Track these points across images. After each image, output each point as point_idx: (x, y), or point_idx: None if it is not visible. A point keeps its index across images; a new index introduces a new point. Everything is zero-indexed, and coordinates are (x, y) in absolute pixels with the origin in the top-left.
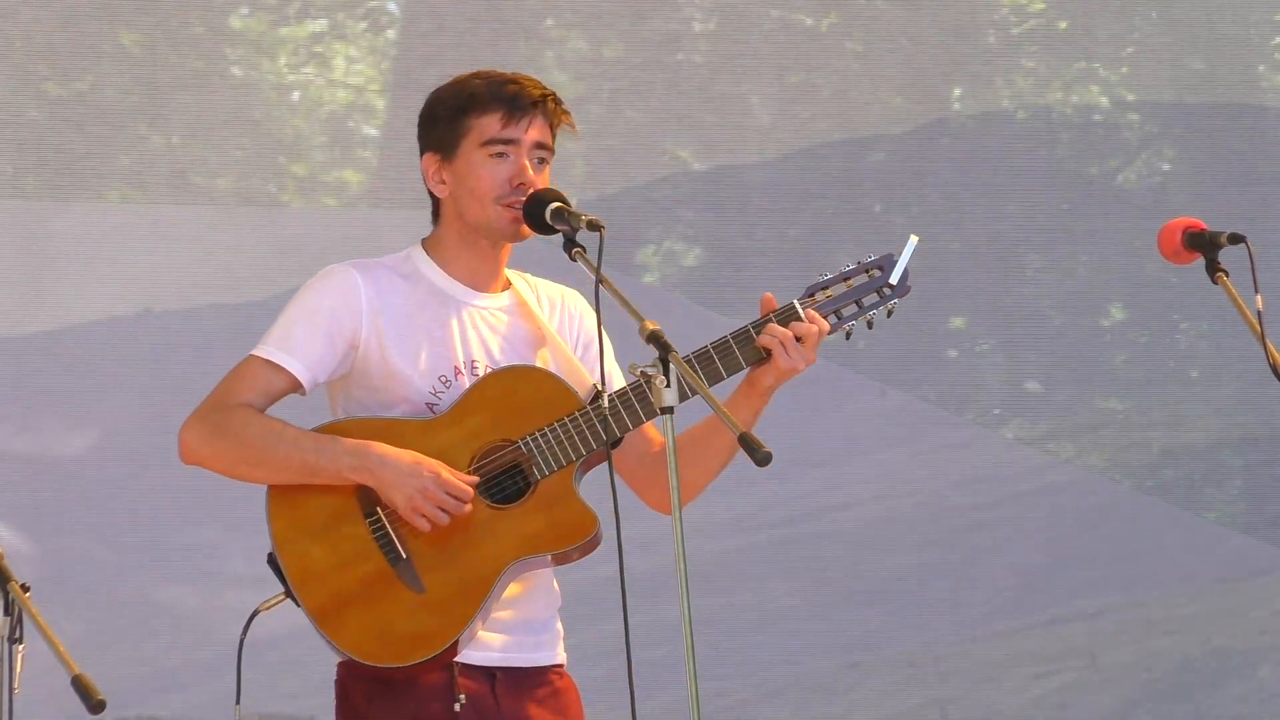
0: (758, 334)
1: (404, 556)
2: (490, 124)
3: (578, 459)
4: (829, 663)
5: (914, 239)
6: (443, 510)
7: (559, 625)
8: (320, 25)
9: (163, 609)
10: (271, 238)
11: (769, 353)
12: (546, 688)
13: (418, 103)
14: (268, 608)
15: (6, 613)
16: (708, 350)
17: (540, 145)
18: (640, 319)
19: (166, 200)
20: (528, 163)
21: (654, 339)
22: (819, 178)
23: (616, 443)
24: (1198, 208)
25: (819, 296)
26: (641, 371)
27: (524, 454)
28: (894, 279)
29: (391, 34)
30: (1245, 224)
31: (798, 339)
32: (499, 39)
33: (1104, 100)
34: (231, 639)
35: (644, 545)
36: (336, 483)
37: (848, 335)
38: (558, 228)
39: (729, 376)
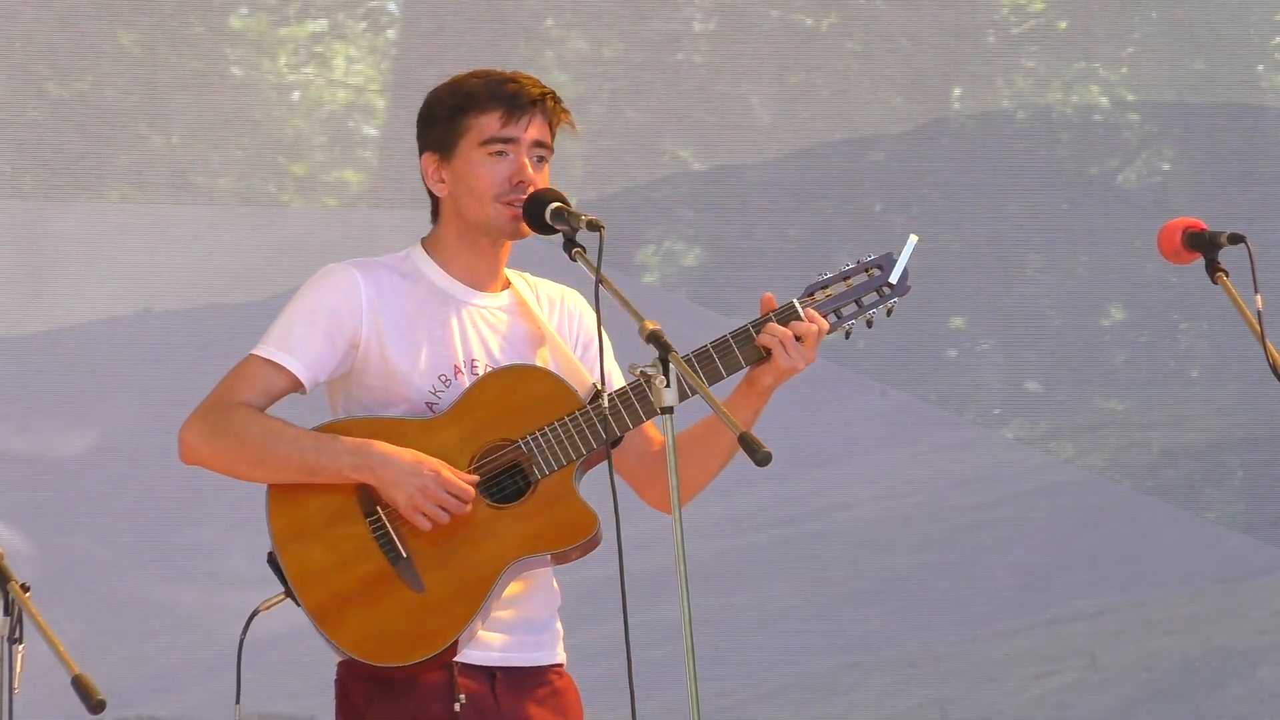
0: (757, 333)
1: (404, 556)
2: (489, 123)
3: (578, 458)
4: (829, 663)
5: (914, 238)
6: (443, 509)
7: (559, 625)
8: (320, 25)
9: (163, 609)
10: (271, 238)
11: (769, 352)
12: (546, 687)
13: (418, 103)
14: (268, 607)
15: (6, 613)
16: (707, 350)
17: (539, 144)
18: (640, 319)
19: (166, 200)
20: (527, 161)
21: (654, 339)
22: (819, 178)
23: (616, 442)
24: (1198, 208)
25: (819, 296)
26: (641, 371)
27: (524, 453)
28: (894, 278)
29: (391, 34)
30: (1245, 224)
31: (797, 338)
32: (499, 39)
33: (1104, 100)
34: (231, 639)
35: (644, 545)
36: (337, 481)
37: (847, 334)
38: (557, 228)
39: (729, 376)
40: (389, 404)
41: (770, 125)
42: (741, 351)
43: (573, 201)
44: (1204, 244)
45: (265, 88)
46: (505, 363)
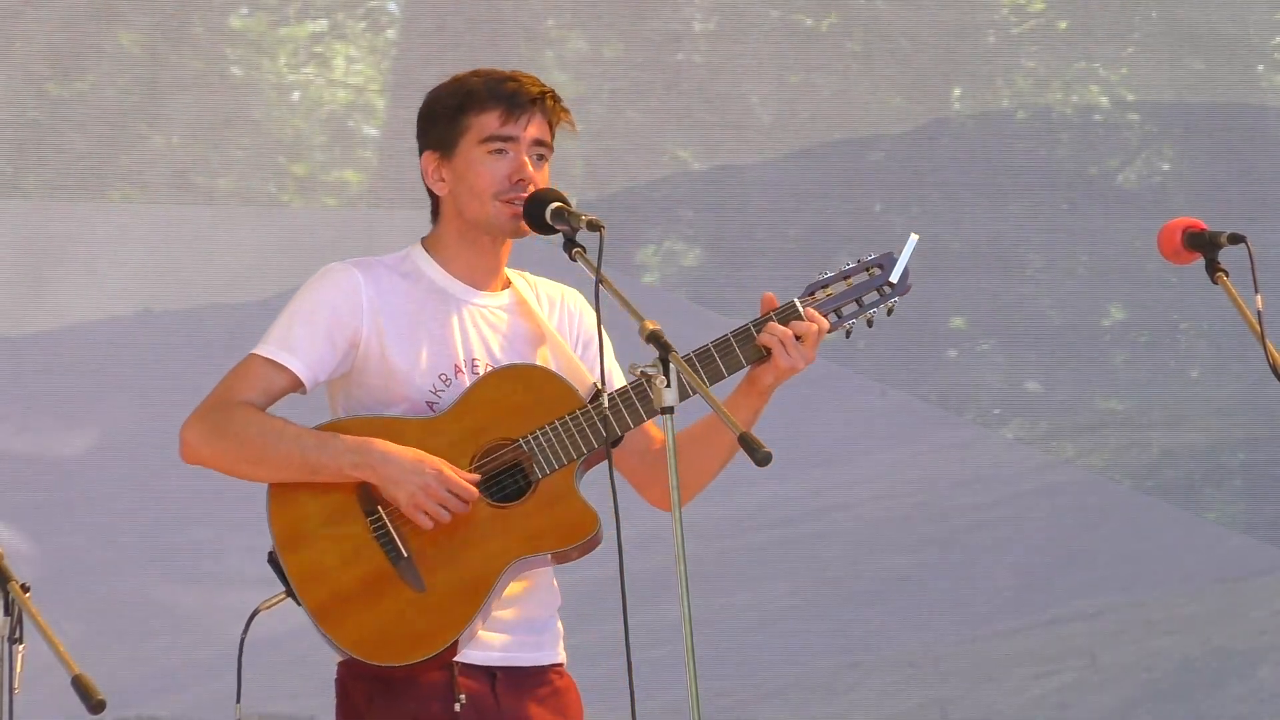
0: (758, 332)
1: (405, 555)
2: (489, 121)
3: (579, 457)
4: (829, 663)
5: (914, 237)
6: (445, 508)
7: (559, 625)
8: (320, 25)
9: (163, 609)
10: (271, 238)
11: (769, 351)
12: (547, 687)
13: (417, 102)
14: (268, 607)
15: (6, 613)
16: (708, 349)
17: (539, 142)
18: (640, 319)
19: (167, 200)
20: (527, 159)
21: (654, 339)
22: (819, 178)
23: (617, 441)
24: (1198, 208)
25: (819, 295)
26: (641, 371)
27: (525, 452)
28: (894, 277)
29: (391, 34)
30: (1245, 224)
31: (798, 338)
32: (499, 39)
33: (1104, 100)
34: (231, 639)
35: (644, 545)
36: (338, 480)
37: (848, 334)
38: (558, 228)
39: (729, 375)
40: (389, 403)
41: (770, 125)
42: (742, 350)
43: (573, 201)
44: (1204, 244)
45: (265, 88)
46: (506, 362)
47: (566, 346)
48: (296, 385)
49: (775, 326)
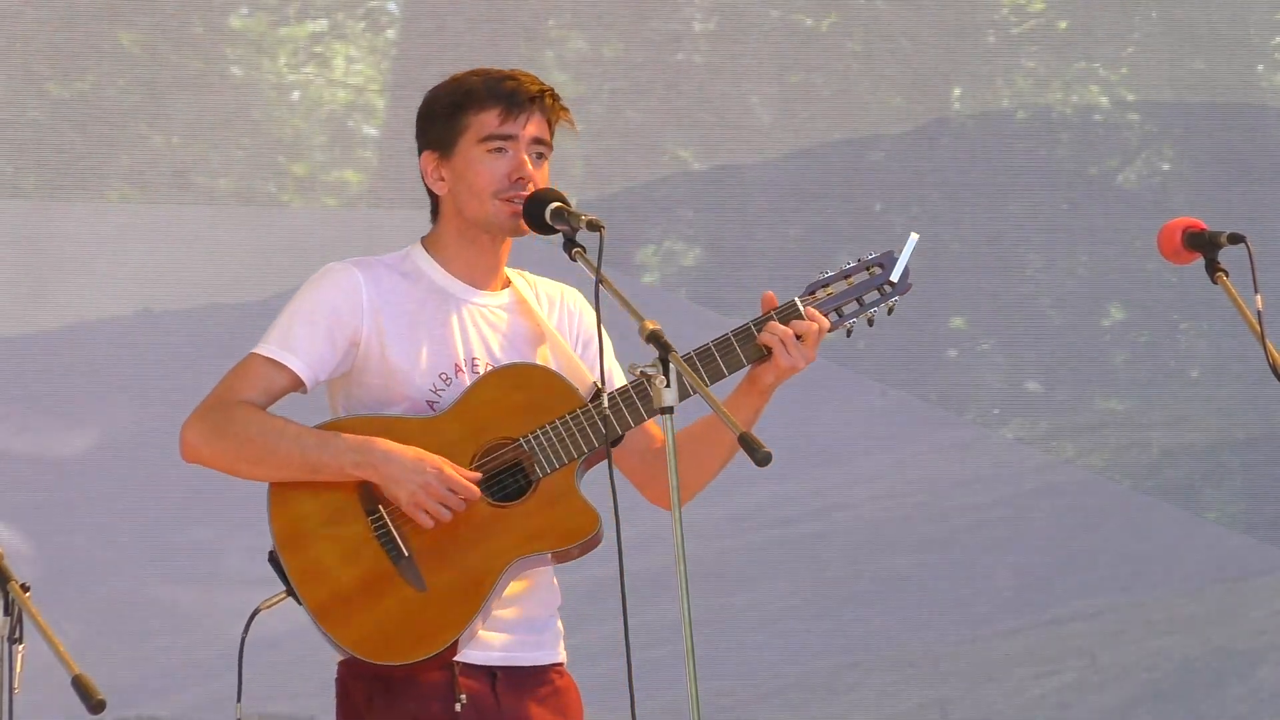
0: (759, 331)
1: (406, 554)
2: (488, 120)
3: (579, 457)
4: (829, 663)
5: (915, 236)
6: (446, 506)
7: (559, 624)
8: (320, 25)
9: (163, 609)
10: (271, 238)
11: (770, 350)
12: (547, 687)
13: (417, 102)
14: (269, 606)
15: (6, 613)
16: (709, 348)
17: (538, 141)
18: (640, 319)
19: (167, 200)
20: (526, 158)
21: (654, 339)
22: (819, 178)
23: (618, 440)
24: (1198, 208)
25: (820, 294)
26: (641, 371)
27: (525, 452)
28: (895, 276)
29: (391, 34)
30: (1245, 224)
31: (798, 337)
32: (499, 39)
33: (1104, 100)
34: (231, 639)
35: (644, 545)
36: (339, 479)
37: (849, 333)
38: (558, 228)
39: (730, 374)
40: (389, 403)
41: (770, 125)
42: (743, 349)
43: (573, 201)
44: (1204, 244)
45: (265, 88)
46: (506, 361)
47: (566, 346)
48: (297, 384)
49: (776, 325)
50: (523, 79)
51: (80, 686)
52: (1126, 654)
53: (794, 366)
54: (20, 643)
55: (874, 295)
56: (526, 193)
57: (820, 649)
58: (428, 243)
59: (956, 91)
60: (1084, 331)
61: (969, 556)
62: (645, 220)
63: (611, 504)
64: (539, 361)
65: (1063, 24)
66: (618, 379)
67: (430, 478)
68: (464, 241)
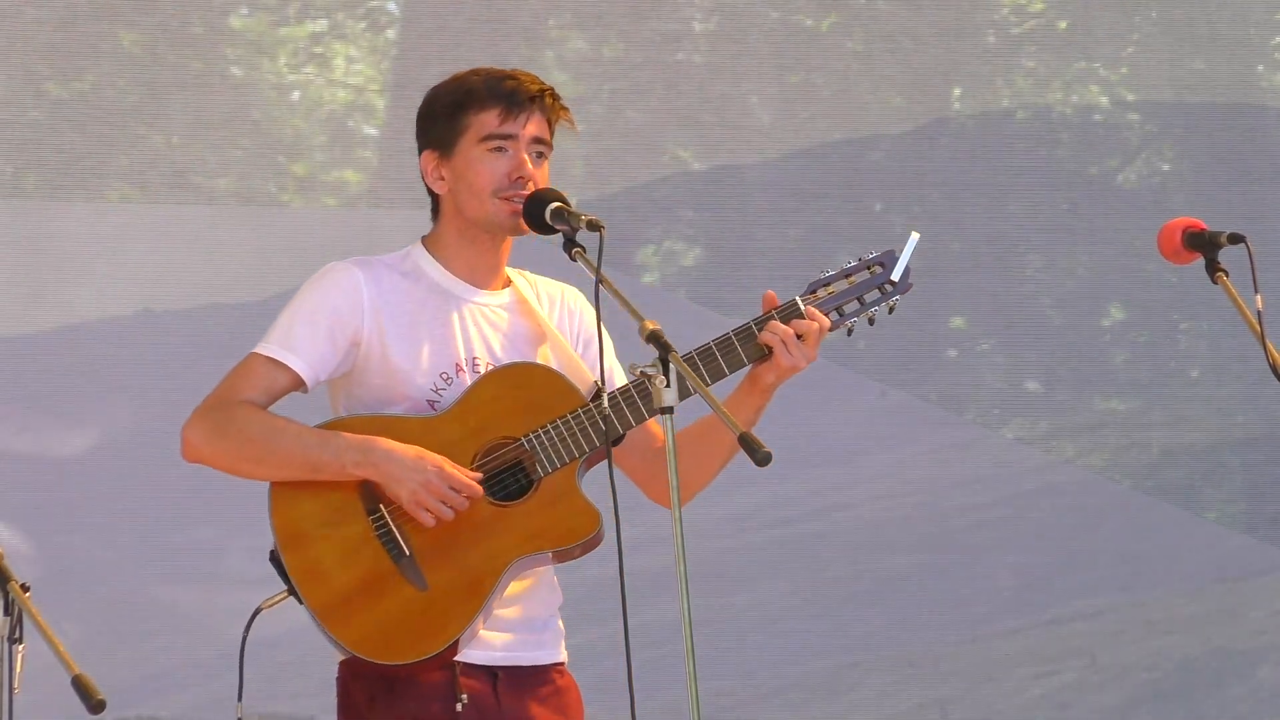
0: (760, 331)
1: (407, 554)
2: (488, 119)
3: (580, 456)
4: (829, 663)
5: (915, 235)
6: (447, 505)
7: (560, 624)
8: (320, 25)
9: (163, 609)
10: (271, 238)
11: (771, 350)
12: (548, 686)
13: (417, 102)
14: (270, 605)
15: (6, 613)
16: (710, 347)
17: (538, 140)
18: (640, 319)
19: (166, 200)
20: (526, 157)
21: (654, 339)
22: (819, 178)
23: (619, 440)
24: (1198, 208)
25: (820, 293)
26: (641, 371)
27: (526, 451)
28: (896, 275)
29: (391, 34)
30: (1245, 224)
31: (799, 336)
32: (499, 39)
33: (1104, 100)
34: (232, 639)
35: (644, 545)
36: (340, 478)
37: (849, 332)
38: (558, 228)
39: (731, 373)
40: (390, 402)
41: (770, 125)
42: (744, 349)
43: (573, 201)
44: (1204, 244)
45: (265, 88)
46: (507, 360)
47: (567, 345)
48: (298, 384)
49: (777, 325)
50: (523, 79)
51: (80, 686)
52: (1126, 654)
53: (795, 366)
54: (20, 643)
55: (875, 294)
56: (526, 192)
57: (820, 649)
58: (428, 242)
59: (956, 91)
60: (1084, 331)
61: (969, 556)
62: (645, 220)
63: (612, 503)
64: (540, 361)
65: (1063, 24)
66: (618, 378)
67: (431, 476)
68: (464, 241)
